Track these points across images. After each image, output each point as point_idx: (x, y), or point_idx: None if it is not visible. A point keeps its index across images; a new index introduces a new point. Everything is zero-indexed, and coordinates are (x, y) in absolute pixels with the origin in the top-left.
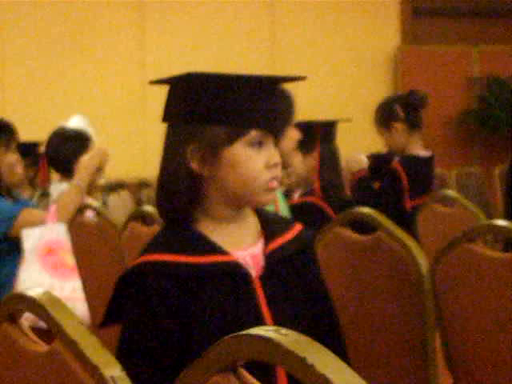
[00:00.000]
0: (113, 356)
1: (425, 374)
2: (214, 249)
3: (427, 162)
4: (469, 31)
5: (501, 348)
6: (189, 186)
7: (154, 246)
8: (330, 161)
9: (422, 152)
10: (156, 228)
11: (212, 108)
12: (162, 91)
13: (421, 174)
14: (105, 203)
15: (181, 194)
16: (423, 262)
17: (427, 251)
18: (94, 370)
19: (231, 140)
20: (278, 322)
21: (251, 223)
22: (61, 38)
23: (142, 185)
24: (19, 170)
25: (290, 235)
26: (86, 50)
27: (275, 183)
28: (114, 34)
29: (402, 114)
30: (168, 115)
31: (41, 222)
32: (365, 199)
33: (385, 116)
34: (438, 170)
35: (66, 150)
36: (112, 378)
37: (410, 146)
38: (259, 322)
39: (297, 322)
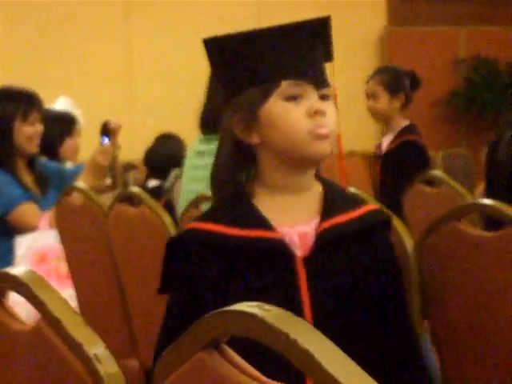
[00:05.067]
0: (96, 334)
1: None
2: (261, 223)
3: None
4: (456, 12)
5: (486, 327)
6: (243, 159)
7: (204, 214)
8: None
9: (407, 121)
10: (143, 208)
11: (240, 72)
12: (148, 76)
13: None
14: None
15: (236, 169)
16: (409, 242)
17: (414, 231)
18: (77, 348)
19: (265, 97)
20: (317, 307)
21: (312, 197)
22: (48, 28)
23: (129, 167)
24: (35, 143)
25: (352, 214)
26: (73, 39)
27: (323, 130)
28: (100, 22)
29: (408, 89)
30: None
31: (34, 223)
32: None
33: (395, 83)
34: None
35: (51, 131)
36: (95, 355)
37: (397, 119)
38: (296, 304)
39: (339, 310)
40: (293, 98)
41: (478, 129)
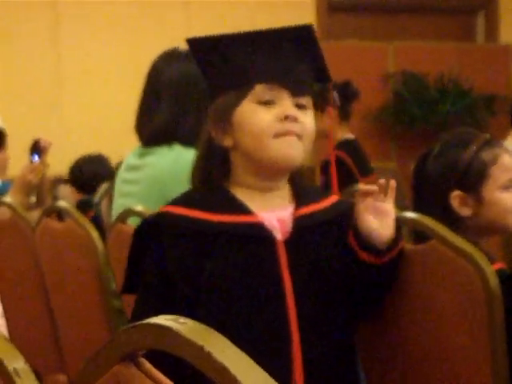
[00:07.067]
0: (16, 349)
1: None
2: (240, 208)
3: (358, 142)
4: (384, 27)
5: (409, 339)
6: (217, 160)
7: (178, 198)
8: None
9: (350, 135)
10: (70, 223)
11: (219, 75)
12: (76, 88)
13: (361, 152)
14: None
15: (210, 169)
16: None
17: None
18: None
19: (238, 100)
20: (298, 287)
21: (284, 192)
22: None
23: (58, 181)
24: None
25: (324, 204)
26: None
27: (289, 134)
28: (28, 32)
29: (338, 102)
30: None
31: None
32: None
33: (319, 100)
34: None
35: None
36: (15, 369)
37: (339, 132)
38: (278, 285)
39: (318, 290)
40: (265, 103)
41: (406, 143)
